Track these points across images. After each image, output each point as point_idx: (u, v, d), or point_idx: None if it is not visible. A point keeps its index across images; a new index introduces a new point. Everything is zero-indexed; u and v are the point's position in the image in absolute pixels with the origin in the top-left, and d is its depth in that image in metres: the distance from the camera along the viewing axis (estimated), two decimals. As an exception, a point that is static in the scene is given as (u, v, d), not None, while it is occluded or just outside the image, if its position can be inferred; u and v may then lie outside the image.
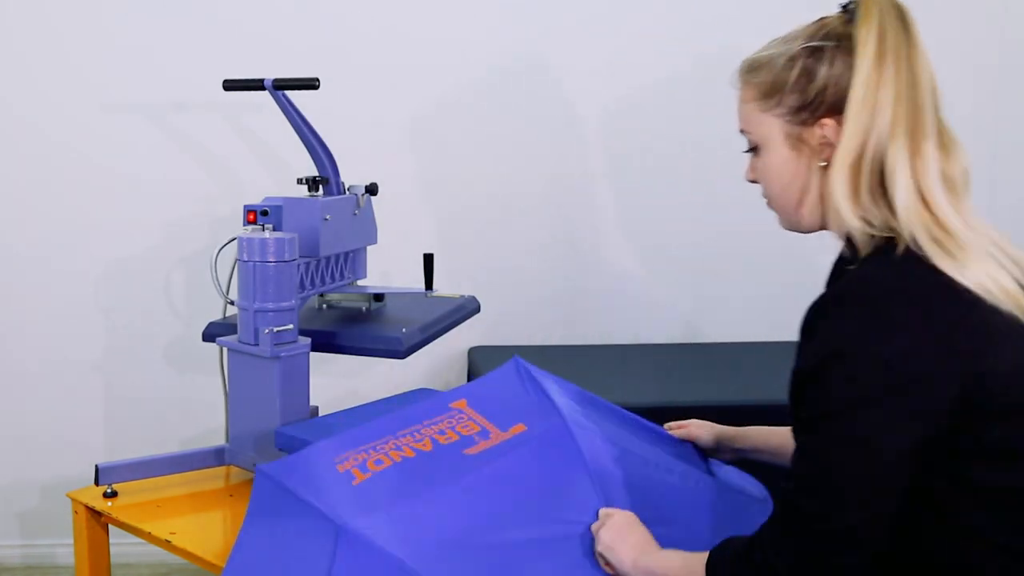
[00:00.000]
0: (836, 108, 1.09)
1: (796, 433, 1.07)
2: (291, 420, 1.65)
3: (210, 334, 1.81)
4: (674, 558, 1.18)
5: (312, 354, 1.71)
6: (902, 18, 1.08)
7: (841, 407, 0.98)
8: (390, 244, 2.26)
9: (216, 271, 1.75)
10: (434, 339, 1.92)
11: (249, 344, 1.64)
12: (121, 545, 1.96)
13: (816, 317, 1.03)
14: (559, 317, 2.88)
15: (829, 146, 1.10)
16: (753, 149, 1.20)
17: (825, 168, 1.11)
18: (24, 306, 2.74)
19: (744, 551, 1.07)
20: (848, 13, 1.11)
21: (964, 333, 0.97)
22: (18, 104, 2.67)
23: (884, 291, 0.99)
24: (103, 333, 2.77)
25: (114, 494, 1.64)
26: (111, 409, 2.80)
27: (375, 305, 2.01)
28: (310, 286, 1.82)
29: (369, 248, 2.04)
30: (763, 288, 2.85)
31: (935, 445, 0.99)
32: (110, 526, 1.65)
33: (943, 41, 2.86)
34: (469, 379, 2.74)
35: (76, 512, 1.64)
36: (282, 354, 1.63)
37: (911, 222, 1.03)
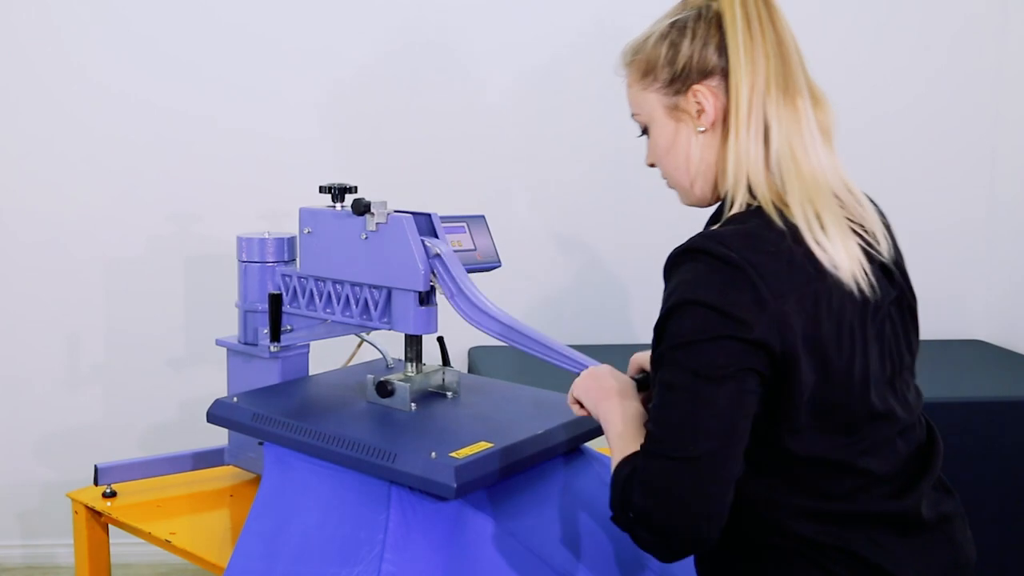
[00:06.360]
0: (704, 74, 1.16)
1: (653, 367, 1.12)
2: (291, 420, 1.64)
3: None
4: (616, 416, 1.20)
5: (312, 354, 1.71)
6: None
7: (677, 346, 1.05)
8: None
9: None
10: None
11: (249, 344, 1.64)
12: (121, 545, 1.96)
13: (670, 266, 1.11)
14: (559, 317, 2.88)
15: (703, 112, 1.16)
16: (645, 132, 1.25)
17: (703, 133, 1.17)
18: (24, 306, 2.74)
19: (631, 459, 1.11)
20: None
21: (790, 303, 1.04)
22: (18, 103, 2.67)
23: (727, 253, 1.04)
24: (103, 333, 2.77)
25: (114, 494, 1.64)
26: (111, 409, 2.80)
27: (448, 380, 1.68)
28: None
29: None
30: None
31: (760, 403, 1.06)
32: (110, 526, 1.65)
33: (943, 40, 2.88)
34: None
35: (76, 512, 1.64)
36: (282, 354, 1.63)
37: (783, 177, 1.11)
